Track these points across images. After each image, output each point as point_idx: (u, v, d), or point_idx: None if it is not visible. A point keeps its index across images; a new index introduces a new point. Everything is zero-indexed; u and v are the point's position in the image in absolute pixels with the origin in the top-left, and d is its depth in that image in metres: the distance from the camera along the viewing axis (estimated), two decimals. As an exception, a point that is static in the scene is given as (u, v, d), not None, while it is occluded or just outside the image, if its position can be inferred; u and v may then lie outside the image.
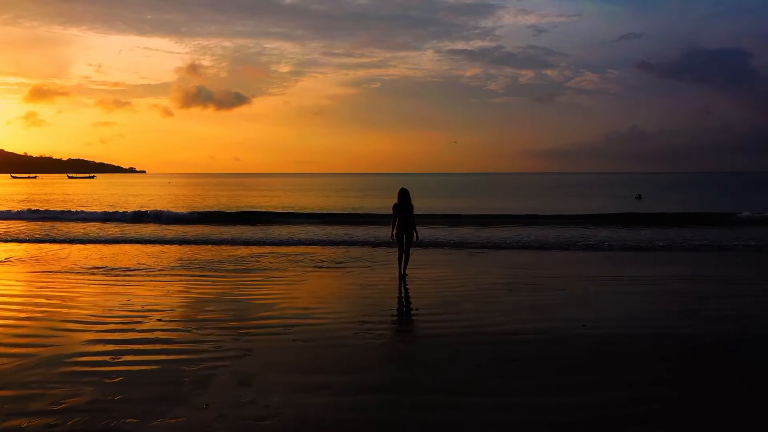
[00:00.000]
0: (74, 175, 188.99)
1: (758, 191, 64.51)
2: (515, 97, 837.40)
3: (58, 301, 9.83)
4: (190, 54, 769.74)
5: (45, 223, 25.67)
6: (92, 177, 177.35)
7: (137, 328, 8.01)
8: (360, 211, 30.92)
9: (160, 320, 8.49)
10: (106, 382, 5.88)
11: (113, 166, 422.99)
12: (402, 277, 11.89)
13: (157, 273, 12.91)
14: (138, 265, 13.96)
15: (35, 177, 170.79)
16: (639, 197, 49.63)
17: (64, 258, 15.43)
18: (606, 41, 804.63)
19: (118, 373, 6.12)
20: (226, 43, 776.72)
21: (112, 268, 13.45)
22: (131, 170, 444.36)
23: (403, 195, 12.02)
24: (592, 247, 17.29)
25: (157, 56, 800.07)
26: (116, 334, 7.71)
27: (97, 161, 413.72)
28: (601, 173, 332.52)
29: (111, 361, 6.56)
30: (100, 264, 14.20)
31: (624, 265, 14.20)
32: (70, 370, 6.25)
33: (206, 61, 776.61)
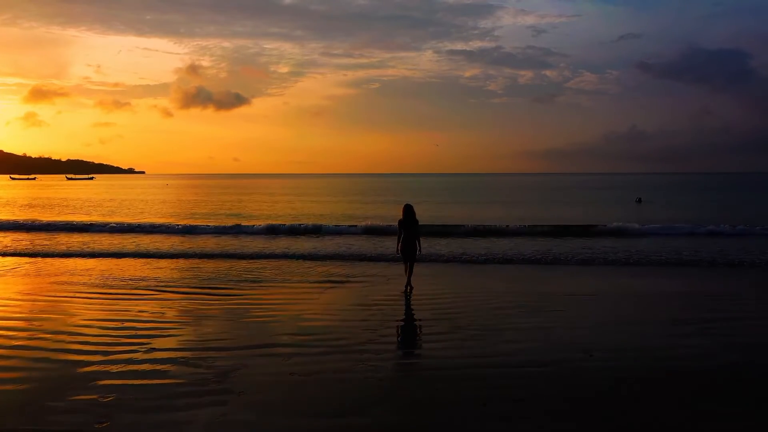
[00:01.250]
0: (73, 176, 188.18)
1: (759, 192, 64.41)
2: (514, 98, 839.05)
3: (53, 326, 9.55)
4: (189, 54, 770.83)
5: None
6: (91, 178, 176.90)
7: (132, 359, 7.75)
8: (362, 222, 30.68)
9: (154, 349, 8.23)
10: (96, 428, 5.64)
11: (112, 167, 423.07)
12: (408, 290, 12.22)
13: (159, 290, 12.68)
14: (140, 282, 13.69)
15: (34, 178, 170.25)
16: (639, 201, 49.40)
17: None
18: (605, 41, 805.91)
19: (107, 417, 5.86)
20: (226, 44, 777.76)
21: (112, 285, 13.20)
22: (130, 171, 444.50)
23: (408, 211, 12.46)
24: (589, 260, 16.87)
25: (157, 57, 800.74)
26: (107, 366, 7.45)
27: (96, 162, 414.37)
28: (600, 174, 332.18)
29: (99, 400, 6.28)
30: (101, 281, 13.95)
31: (622, 279, 14.00)
32: (54, 417, 5.96)
33: (205, 62, 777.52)
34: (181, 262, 17.07)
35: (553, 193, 71.16)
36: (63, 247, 20.39)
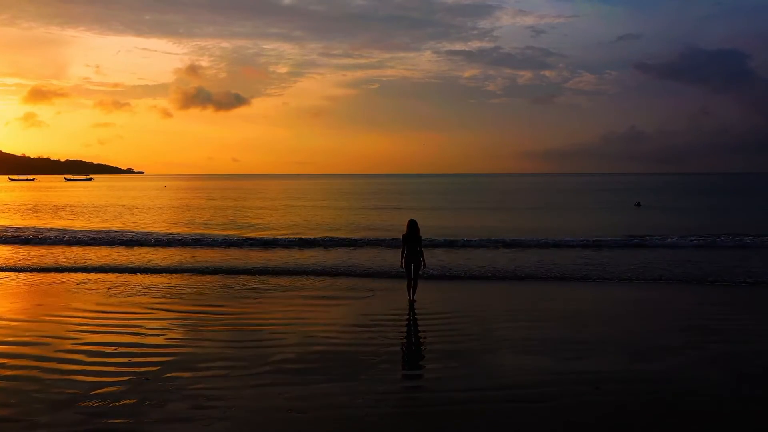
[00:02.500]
0: (71, 177, 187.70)
1: (759, 194, 64.21)
2: (513, 98, 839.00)
3: (41, 351, 9.25)
4: (188, 55, 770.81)
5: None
6: (90, 179, 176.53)
7: (125, 392, 7.44)
8: (365, 232, 30.41)
9: (148, 380, 7.96)
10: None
11: (111, 167, 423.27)
12: (411, 304, 12.49)
13: (156, 308, 12.41)
14: (136, 299, 13.40)
15: (33, 179, 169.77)
16: (638, 204, 49.23)
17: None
18: (604, 42, 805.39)
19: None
20: (225, 44, 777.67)
21: (107, 303, 12.90)
22: (129, 171, 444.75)
23: (412, 226, 12.66)
24: (590, 276, 16.35)
25: (156, 57, 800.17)
26: (97, 402, 7.14)
27: (95, 162, 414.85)
28: (600, 174, 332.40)
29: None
30: (95, 298, 13.66)
31: (628, 296, 13.77)
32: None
33: (205, 62, 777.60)
34: (181, 277, 16.72)
35: (552, 196, 70.85)
36: (55, 260, 19.99)
